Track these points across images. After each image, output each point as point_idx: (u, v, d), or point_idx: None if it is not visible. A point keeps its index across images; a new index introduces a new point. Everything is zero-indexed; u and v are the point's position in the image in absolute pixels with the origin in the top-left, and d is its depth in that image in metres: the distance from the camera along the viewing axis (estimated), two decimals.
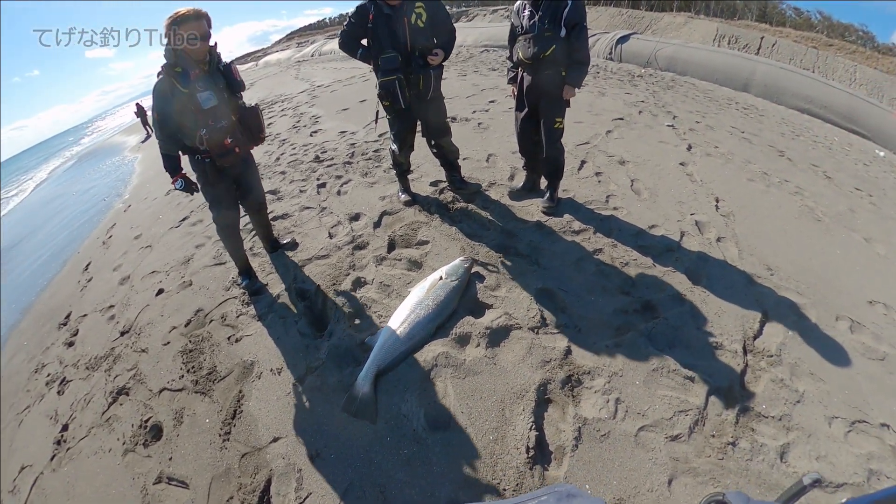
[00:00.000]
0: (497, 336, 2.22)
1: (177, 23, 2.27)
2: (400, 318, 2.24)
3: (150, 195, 6.26)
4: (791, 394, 1.99)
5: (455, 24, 3.02)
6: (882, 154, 8.68)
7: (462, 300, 2.41)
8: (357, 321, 2.46)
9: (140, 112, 16.76)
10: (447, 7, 3.18)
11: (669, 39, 17.83)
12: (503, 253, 2.80)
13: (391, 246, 3.03)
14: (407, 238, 3.10)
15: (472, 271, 2.59)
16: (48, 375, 3.01)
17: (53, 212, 9.64)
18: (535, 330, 2.24)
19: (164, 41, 2.34)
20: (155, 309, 3.10)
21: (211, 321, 2.73)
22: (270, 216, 3.45)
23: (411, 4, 2.74)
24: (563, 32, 2.77)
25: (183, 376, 2.39)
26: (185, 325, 2.77)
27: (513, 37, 3.06)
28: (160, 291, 3.28)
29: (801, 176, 4.88)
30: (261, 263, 3.11)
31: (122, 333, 3.01)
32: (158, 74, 2.37)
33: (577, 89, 2.93)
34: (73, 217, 7.97)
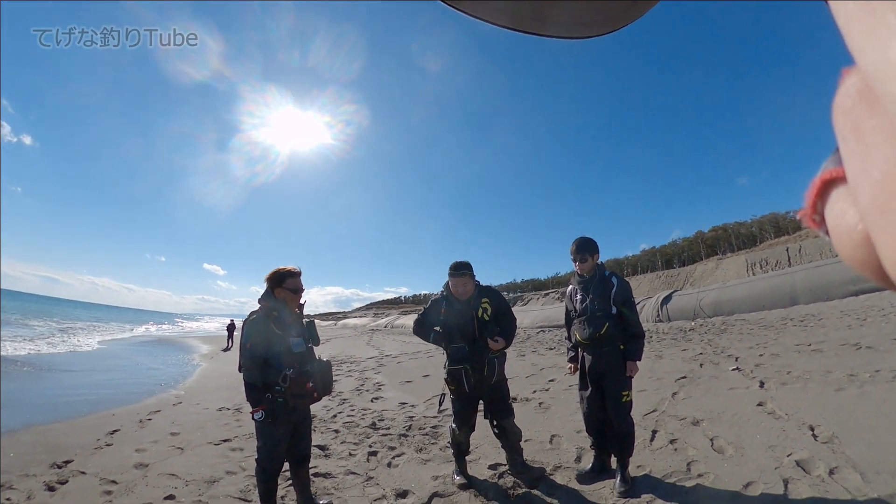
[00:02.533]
0: None
1: (282, 276, 2.73)
2: None
3: (202, 403, 6.32)
4: None
5: (513, 310, 3.38)
6: None
7: None
8: None
9: (231, 327, 19.27)
10: (504, 293, 3.69)
11: (708, 286, 19.07)
12: None
13: None
14: None
15: None
16: (7, 500, 2.65)
17: (111, 367, 9.78)
18: None
19: (265, 288, 2.75)
20: None
21: None
22: (313, 472, 3.35)
23: (478, 300, 3.16)
24: (615, 310, 3.06)
25: None
26: None
27: (568, 319, 3.35)
28: (170, 497, 3.06)
29: (891, 357, 4.53)
30: None
31: None
32: (252, 314, 2.70)
33: (638, 362, 3.10)
34: (125, 382, 7.94)
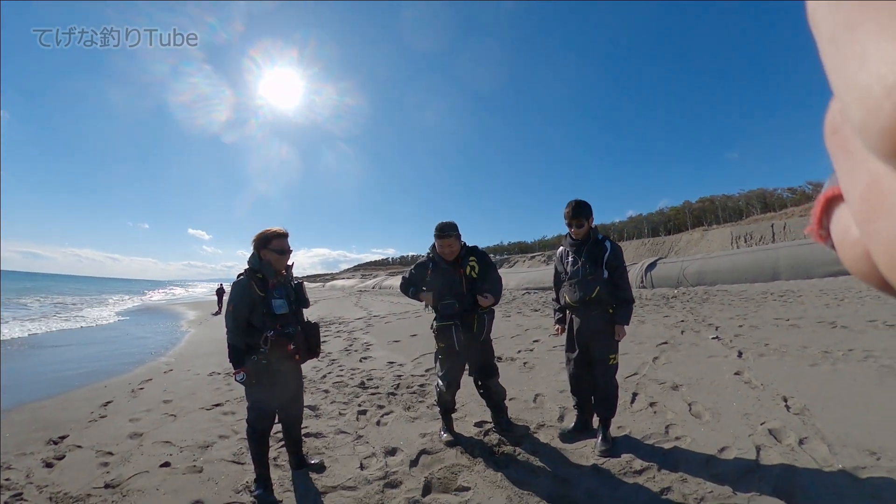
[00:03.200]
0: None
1: (268, 237, 2.71)
2: None
3: (193, 369, 6.38)
4: None
5: (499, 271, 3.38)
6: None
7: None
8: None
9: (220, 291, 20.15)
10: (491, 255, 3.54)
11: (692, 256, 19.34)
12: (557, 503, 2.55)
13: (427, 489, 2.74)
14: (445, 482, 2.81)
15: None
16: (7, 480, 2.77)
17: (100, 339, 10.06)
18: None
19: (251, 250, 2.75)
20: (153, 478, 2.93)
21: None
22: (304, 432, 3.39)
23: (466, 259, 3.23)
24: (606, 274, 3.07)
25: None
26: None
27: (558, 281, 3.34)
28: (166, 464, 3.13)
29: (864, 338, 4.71)
30: (281, 477, 2.93)
31: (107, 486, 2.82)
32: (239, 276, 2.71)
33: (626, 326, 3.14)
34: (115, 353, 8.16)
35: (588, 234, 3.17)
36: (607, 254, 3.08)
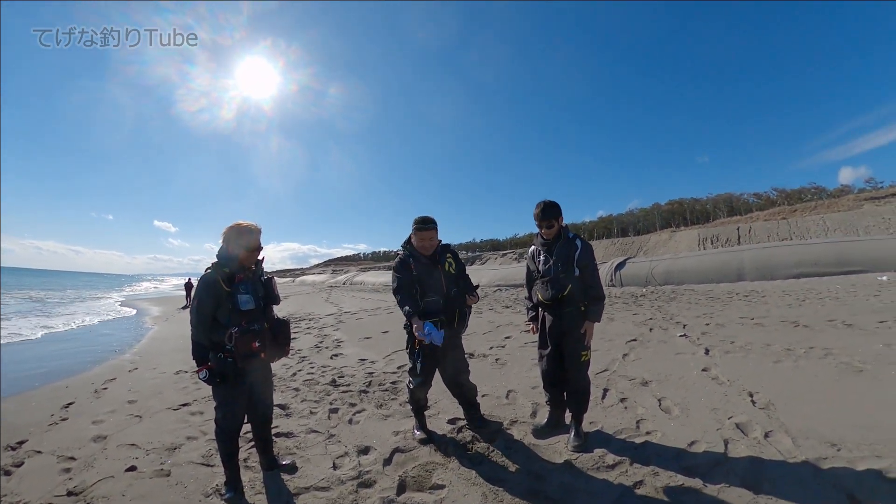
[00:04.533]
0: None
1: (237, 232, 2.62)
2: None
3: (159, 367, 6.19)
4: None
5: (471, 267, 3.53)
6: (884, 278, 8.75)
7: None
8: None
9: (188, 285, 20.41)
10: (463, 252, 3.56)
11: (661, 256, 19.89)
12: (531, 499, 2.53)
13: (401, 488, 2.70)
14: (420, 480, 2.77)
15: None
16: None
17: (63, 336, 9.77)
18: None
19: (221, 244, 2.66)
20: (118, 484, 2.81)
21: None
22: (274, 432, 3.30)
23: (444, 255, 3.23)
24: (577, 273, 3.08)
25: None
26: None
27: (530, 279, 3.36)
28: (132, 468, 3.01)
29: (824, 336, 4.90)
30: (252, 479, 2.84)
31: (70, 493, 2.70)
32: (207, 269, 2.63)
33: (596, 323, 3.15)
34: (77, 351, 7.86)
35: (559, 233, 3.19)
36: (578, 252, 3.10)
